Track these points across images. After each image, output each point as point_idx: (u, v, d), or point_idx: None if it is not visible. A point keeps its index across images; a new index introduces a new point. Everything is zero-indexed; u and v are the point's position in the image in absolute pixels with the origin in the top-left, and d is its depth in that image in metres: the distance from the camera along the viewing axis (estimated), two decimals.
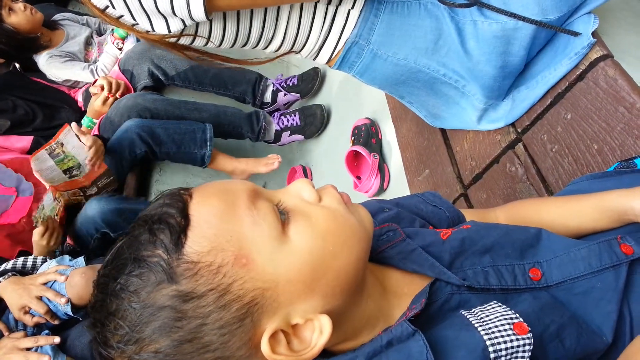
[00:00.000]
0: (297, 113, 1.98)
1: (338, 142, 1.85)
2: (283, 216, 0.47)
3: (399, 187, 1.48)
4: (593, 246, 0.58)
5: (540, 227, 0.64)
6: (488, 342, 0.46)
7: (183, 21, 0.94)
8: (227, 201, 0.45)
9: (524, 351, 0.47)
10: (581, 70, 0.95)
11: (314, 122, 1.96)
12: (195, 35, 1.00)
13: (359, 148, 1.56)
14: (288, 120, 1.97)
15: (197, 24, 0.98)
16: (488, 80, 1.00)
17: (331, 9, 0.98)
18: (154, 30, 0.96)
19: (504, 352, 0.46)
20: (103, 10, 0.95)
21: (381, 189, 1.55)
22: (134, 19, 0.95)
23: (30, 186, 1.74)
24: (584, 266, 0.57)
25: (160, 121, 1.78)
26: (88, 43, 2.22)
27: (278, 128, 1.98)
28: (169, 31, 0.96)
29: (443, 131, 1.26)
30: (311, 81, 2.03)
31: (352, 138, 1.64)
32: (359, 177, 1.62)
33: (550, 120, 0.99)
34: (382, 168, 1.55)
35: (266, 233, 0.45)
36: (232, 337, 0.43)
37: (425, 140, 1.31)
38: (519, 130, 1.05)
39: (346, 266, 0.47)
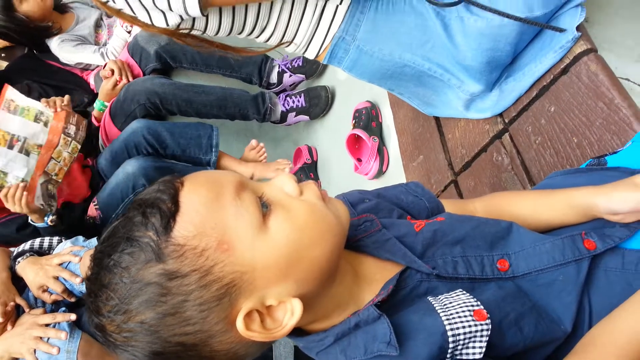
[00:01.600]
0: (302, 94, 2.02)
1: (341, 123, 1.88)
2: (265, 208, 0.50)
3: (397, 171, 1.52)
4: (557, 241, 0.62)
5: (513, 220, 0.67)
6: (447, 327, 0.50)
7: (181, 16, 0.98)
8: (214, 191, 0.49)
9: (481, 336, 0.51)
10: (565, 64, 0.97)
11: (319, 104, 1.99)
12: (191, 28, 1.04)
13: (359, 131, 1.60)
14: (293, 102, 2.01)
15: (194, 18, 1.02)
16: (475, 73, 1.02)
17: (320, 3, 1.01)
18: (152, 24, 1.01)
19: (462, 337, 0.50)
20: (104, 3, 0.99)
21: (380, 172, 1.59)
22: (134, 13, 1.00)
23: None
24: (548, 259, 0.61)
25: (167, 124, 1.81)
26: (98, 25, 2.26)
27: (284, 109, 2.01)
28: (167, 24, 1.00)
29: (437, 119, 1.29)
30: (315, 62, 2.05)
31: (354, 121, 1.68)
32: (359, 160, 1.66)
33: (535, 112, 1.02)
34: (381, 151, 1.59)
35: (247, 223, 0.49)
36: (210, 314, 0.47)
37: (420, 127, 1.34)
38: (506, 120, 1.08)
39: (320, 257, 0.51)
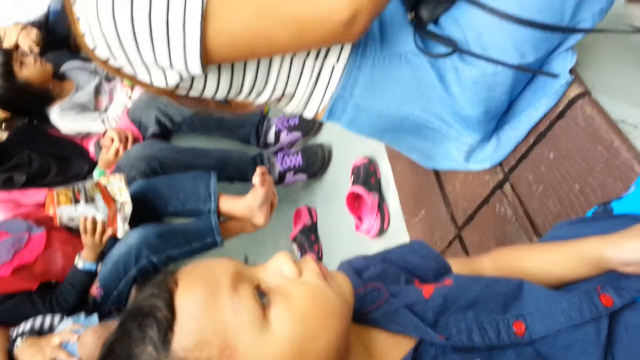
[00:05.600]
0: (299, 153, 2.02)
1: (340, 181, 1.86)
2: (264, 298, 0.49)
3: (399, 228, 1.48)
4: (573, 298, 0.58)
5: (524, 277, 0.65)
6: None
7: (180, 74, 0.97)
8: (210, 290, 0.48)
9: None
10: (561, 109, 0.95)
11: (316, 162, 1.98)
12: (190, 88, 1.04)
13: (358, 189, 1.57)
14: (291, 161, 2.01)
15: (193, 77, 1.01)
16: (473, 123, 1.01)
17: (318, 63, 1.01)
18: (152, 82, 1.00)
19: None
20: (105, 62, 0.99)
21: (382, 230, 1.55)
22: (134, 71, 0.99)
23: (42, 228, 1.76)
24: (565, 319, 0.57)
25: (165, 178, 1.82)
26: (98, 91, 2.29)
27: (281, 169, 2.01)
28: (167, 84, 0.99)
29: (436, 172, 1.27)
30: (312, 120, 2.06)
31: (352, 178, 1.66)
32: (360, 218, 1.62)
33: (535, 159, 0.99)
34: (381, 207, 1.56)
35: (247, 321, 0.47)
36: None
37: (419, 181, 1.32)
38: (506, 170, 1.05)
39: (326, 346, 0.49)
